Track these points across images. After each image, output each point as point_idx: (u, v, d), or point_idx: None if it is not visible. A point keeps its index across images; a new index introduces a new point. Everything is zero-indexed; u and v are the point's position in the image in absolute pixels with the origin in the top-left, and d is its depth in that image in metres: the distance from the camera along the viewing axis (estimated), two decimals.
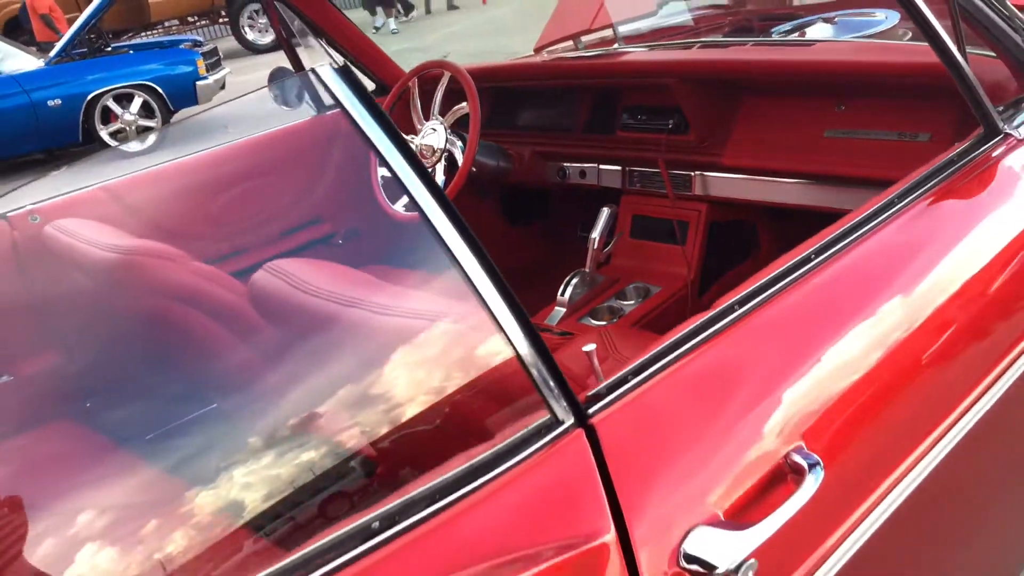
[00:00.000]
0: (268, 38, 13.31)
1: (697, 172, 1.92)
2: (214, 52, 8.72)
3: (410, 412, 0.80)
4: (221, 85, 8.43)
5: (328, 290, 1.08)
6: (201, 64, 8.05)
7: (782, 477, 0.78)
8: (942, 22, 1.18)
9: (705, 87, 1.86)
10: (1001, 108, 1.23)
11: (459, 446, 0.71)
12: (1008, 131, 1.20)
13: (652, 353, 0.81)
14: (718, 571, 0.70)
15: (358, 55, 2.29)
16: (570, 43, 2.40)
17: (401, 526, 0.65)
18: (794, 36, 2.09)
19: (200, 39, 9.51)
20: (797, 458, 0.79)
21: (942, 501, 0.96)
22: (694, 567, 0.72)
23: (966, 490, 1.02)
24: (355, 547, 0.63)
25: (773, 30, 2.28)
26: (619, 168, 2.08)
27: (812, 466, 0.78)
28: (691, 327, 0.84)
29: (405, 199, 2.09)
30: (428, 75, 2.12)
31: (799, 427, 0.82)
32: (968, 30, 1.30)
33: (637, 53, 2.10)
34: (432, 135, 2.11)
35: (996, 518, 1.12)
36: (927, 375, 0.95)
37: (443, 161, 2.09)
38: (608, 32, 2.45)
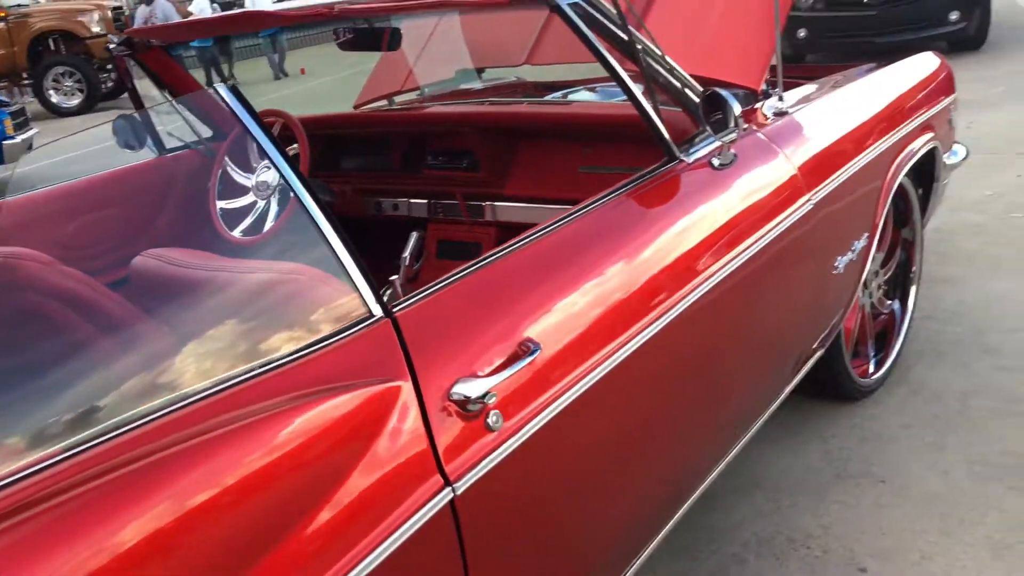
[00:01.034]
0: (74, 101, 13.02)
1: (488, 202, 2.41)
2: (22, 112, 8.58)
3: (280, 312, 1.20)
4: (28, 145, 8.28)
5: (197, 263, 1.45)
6: (8, 124, 7.91)
7: (517, 355, 1.24)
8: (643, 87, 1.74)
9: (491, 134, 2.37)
10: (680, 144, 1.79)
11: (308, 327, 1.12)
12: (681, 157, 1.76)
13: (437, 280, 1.26)
14: (471, 397, 1.14)
15: None
16: (384, 101, 2.87)
17: (263, 369, 1.05)
18: (559, 99, 2.66)
19: (6, 99, 9.29)
20: (528, 344, 1.25)
21: (625, 387, 1.45)
22: (457, 398, 1.16)
23: (642, 381, 1.52)
24: (236, 379, 1.03)
25: (547, 96, 2.86)
26: (425, 201, 2.54)
27: (534, 348, 1.25)
28: (466, 265, 1.30)
29: (243, 225, 2.44)
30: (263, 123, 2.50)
31: (531, 325, 1.29)
32: (664, 96, 1.87)
33: (439, 107, 2.59)
34: (266, 172, 2.50)
35: (665, 407, 1.63)
36: (620, 298, 1.45)
37: (276, 194, 2.47)
38: (415, 93, 2.95)
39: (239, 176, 2.46)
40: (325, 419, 1.03)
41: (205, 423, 0.99)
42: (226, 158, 2.46)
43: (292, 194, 1.15)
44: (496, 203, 2.40)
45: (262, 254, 1.43)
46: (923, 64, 2.84)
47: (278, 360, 1.07)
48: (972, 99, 6.10)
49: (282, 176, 1.17)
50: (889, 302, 2.84)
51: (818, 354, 2.33)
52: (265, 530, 0.98)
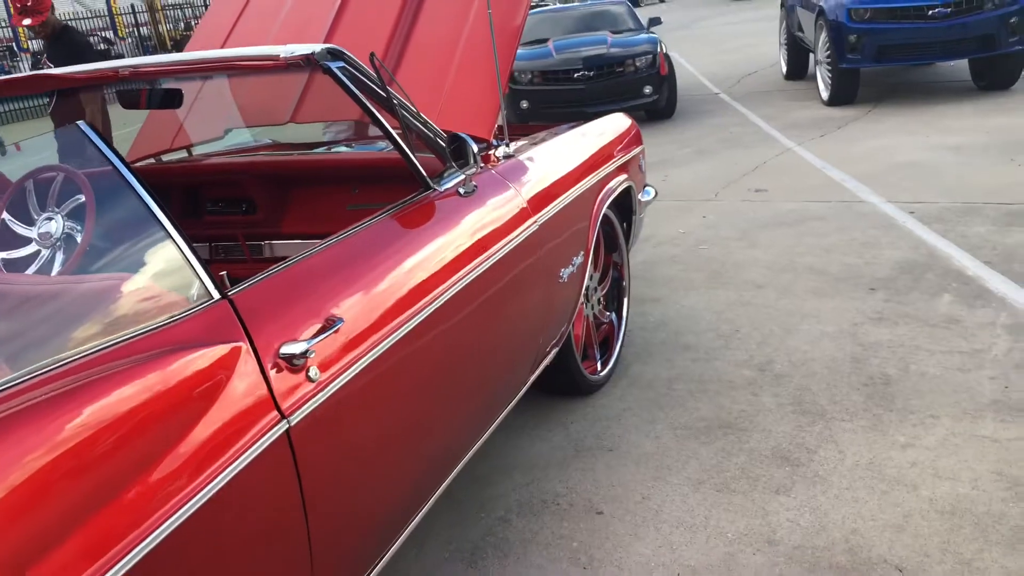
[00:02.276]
0: None
1: (267, 241, 2.73)
2: None
3: (128, 303, 1.46)
4: None
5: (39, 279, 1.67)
6: None
7: (325, 327, 1.61)
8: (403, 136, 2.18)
9: (267, 181, 2.70)
10: (432, 178, 2.25)
11: (157, 310, 1.42)
12: (434, 187, 2.22)
13: (260, 273, 1.60)
14: (295, 354, 1.49)
15: None
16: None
17: (122, 340, 1.33)
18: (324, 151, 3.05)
19: None
20: (332, 318, 1.62)
21: (402, 359, 1.84)
22: (284, 356, 1.50)
23: (414, 357, 1.91)
24: (102, 346, 1.31)
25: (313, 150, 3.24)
26: (207, 244, 2.80)
27: (338, 321, 1.62)
28: (280, 264, 1.65)
29: (25, 251, 2.56)
30: (42, 178, 2.65)
31: (333, 305, 1.66)
32: (417, 141, 2.32)
33: (216, 158, 2.88)
34: (48, 223, 2.64)
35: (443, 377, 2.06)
36: (392, 293, 1.86)
37: (62, 243, 2.62)
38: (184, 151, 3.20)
39: (20, 228, 2.60)
40: (182, 369, 1.33)
41: (75, 375, 1.25)
42: (5, 212, 2.59)
43: (146, 208, 1.45)
44: (274, 241, 2.73)
45: (115, 258, 1.66)
46: (615, 122, 3.54)
47: (135, 333, 1.36)
48: (667, 158, 7.24)
49: (138, 196, 1.46)
50: (609, 313, 3.46)
51: (552, 354, 2.85)
52: (128, 462, 1.24)
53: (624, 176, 3.31)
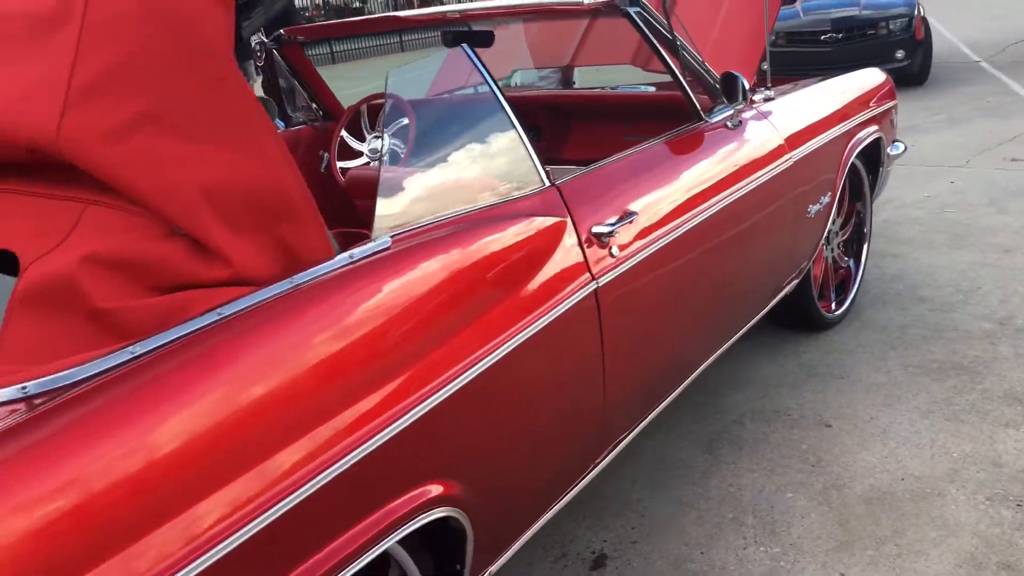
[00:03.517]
0: None
1: (549, 166, 3.16)
2: None
3: (486, 184, 1.93)
4: None
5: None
6: None
7: (623, 217, 2.00)
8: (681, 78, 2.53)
9: (551, 112, 3.13)
10: (704, 111, 2.58)
11: (510, 191, 1.86)
12: (706, 119, 2.55)
13: (577, 172, 2.03)
14: (603, 234, 1.90)
15: (317, 92, 3.37)
16: None
17: (483, 206, 1.78)
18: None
19: None
20: (629, 211, 2.01)
21: (675, 252, 2.19)
22: (595, 233, 1.91)
23: (686, 253, 2.27)
24: (471, 209, 1.77)
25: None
26: None
27: (633, 214, 2.01)
28: (589, 167, 2.07)
29: (357, 162, 3.12)
30: (374, 105, 3.24)
31: (629, 201, 2.06)
32: (692, 80, 2.65)
33: (508, 92, 3.36)
34: (377, 141, 3.24)
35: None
36: (671, 198, 2.22)
37: (387, 157, 3.20)
38: None
39: (353, 143, 3.20)
40: (526, 229, 1.77)
41: (450, 227, 1.71)
42: (343, 131, 3.19)
43: (506, 116, 1.90)
44: (554, 167, 3.16)
45: (464, 150, 2.13)
46: (870, 76, 3.67)
47: (493, 202, 1.81)
48: (917, 124, 7.06)
49: (500, 102, 1.91)
50: (847, 259, 3.64)
51: (790, 286, 3.10)
52: (481, 294, 1.67)
53: (875, 128, 3.46)
